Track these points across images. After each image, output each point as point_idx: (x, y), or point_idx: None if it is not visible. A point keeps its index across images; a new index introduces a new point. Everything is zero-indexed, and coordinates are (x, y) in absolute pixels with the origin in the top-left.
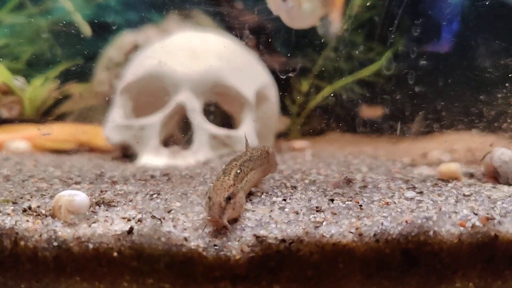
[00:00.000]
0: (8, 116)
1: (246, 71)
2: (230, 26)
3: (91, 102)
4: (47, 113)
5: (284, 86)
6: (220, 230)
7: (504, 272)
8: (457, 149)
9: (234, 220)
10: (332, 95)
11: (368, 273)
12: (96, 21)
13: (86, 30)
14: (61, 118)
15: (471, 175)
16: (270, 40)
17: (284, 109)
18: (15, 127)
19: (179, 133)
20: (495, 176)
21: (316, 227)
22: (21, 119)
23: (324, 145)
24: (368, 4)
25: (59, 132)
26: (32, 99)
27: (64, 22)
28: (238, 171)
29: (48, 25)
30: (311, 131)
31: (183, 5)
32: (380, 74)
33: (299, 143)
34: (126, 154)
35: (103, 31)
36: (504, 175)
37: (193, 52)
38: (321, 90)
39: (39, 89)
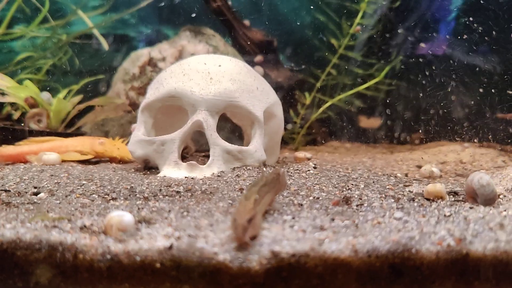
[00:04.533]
0: (36, 128)
1: (256, 92)
2: (238, 42)
3: (109, 114)
4: (70, 125)
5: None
6: (243, 246)
7: (474, 282)
8: (448, 162)
9: (253, 237)
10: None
11: (362, 282)
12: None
13: (104, 44)
14: (80, 129)
15: (455, 193)
16: (276, 55)
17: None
18: (42, 139)
19: (192, 144)
20: (474, 197)
21: (320, 244)
22: (47, 131)
23: (325, 154)
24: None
25: (80, 145)
26: (57, 112)
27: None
28: (257, 196)
29: (69, 39)
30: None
31: (194, 22)
32: (378, 88)
33: (302, 154)
34: (147, 166)
35: (120, 45)
36: (482, 197)
37: (209, 75)
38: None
39: (63, 102)
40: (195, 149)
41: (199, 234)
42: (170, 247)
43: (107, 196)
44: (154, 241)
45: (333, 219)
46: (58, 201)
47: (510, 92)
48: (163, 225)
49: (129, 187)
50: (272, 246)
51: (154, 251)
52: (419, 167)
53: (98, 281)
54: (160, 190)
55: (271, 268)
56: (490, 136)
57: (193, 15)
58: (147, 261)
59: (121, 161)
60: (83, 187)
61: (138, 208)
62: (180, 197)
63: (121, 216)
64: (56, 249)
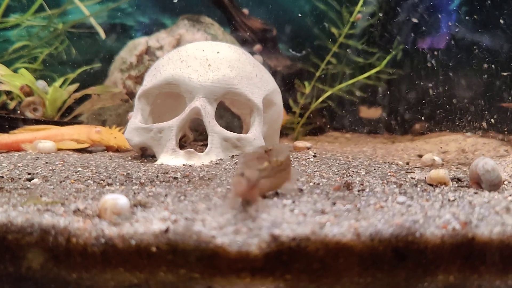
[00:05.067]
0: (32, 117)
1: (255, 79)
2: (237, 31)
3: (106, 103)
4: (66, 114)
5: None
6: (244, 196)
7: (480, 267)
8: (450, 151)
9: (253, 218)
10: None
11: (364, 266)
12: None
13: (101, 33)
14: (77, 118)
15: (458, 180)
16: (275, 44)
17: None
18: (37, 127)
19: (190, 133)
20: (478, 182)
21: (321, 228)
22: (42, 120)
23: (325, 144)
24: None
25: (77, 133)
26: (53, 100)
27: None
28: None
29: (65, 28)
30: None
31: (192, 11)
32: (379, 77)
33: (302, 143)
34: (145, 154)
35: (117, 34)
36: (486, 182)
37: (207, 61)
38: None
39: (59, 90)
40: (193, 138)
41: (197, 217)
42: (167, 230)
43: (102, 181)
44: (150, 224)
45: (334, 203)
46: (52, 187)
47: (504, 74)
48: (160, 209)
49: (125, 174)
50: (272, 229)
51: (150, 234)
52: (420, 156)
53: (92, 266)
54: (157, 176)
55: (271, 252)
56: (492, 125)
57: (174, 1)
58: (143, 245)
59: (118, 149)
60: (78, 173)
61: (134, 193)
62: (177, 182)
63: (116, 199)
64: (48, 232)
